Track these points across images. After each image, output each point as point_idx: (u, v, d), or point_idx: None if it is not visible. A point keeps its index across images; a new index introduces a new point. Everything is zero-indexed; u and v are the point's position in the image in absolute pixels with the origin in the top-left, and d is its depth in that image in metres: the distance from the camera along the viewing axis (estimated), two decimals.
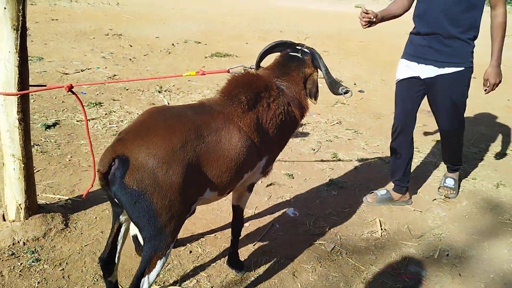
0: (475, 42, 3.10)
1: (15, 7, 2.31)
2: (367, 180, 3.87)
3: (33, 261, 2.49)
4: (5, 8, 2.29)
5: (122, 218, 1.93)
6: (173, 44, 8.98)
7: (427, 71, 3.16)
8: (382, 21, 3.22)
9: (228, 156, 1.95)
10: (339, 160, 4.24)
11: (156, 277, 1.81)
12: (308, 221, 3.17)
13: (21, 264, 2.46)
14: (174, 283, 2.46)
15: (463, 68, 3.07)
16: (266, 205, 3.35)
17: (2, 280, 2.33)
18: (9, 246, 2.58)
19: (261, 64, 2.57)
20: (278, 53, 2.54)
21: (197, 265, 2.63)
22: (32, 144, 3.81)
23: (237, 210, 2.47)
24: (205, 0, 19.84)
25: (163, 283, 2.45)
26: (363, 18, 3.10)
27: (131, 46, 8.46)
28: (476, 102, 6.47)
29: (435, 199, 3.63)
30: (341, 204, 3.45)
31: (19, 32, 2.36)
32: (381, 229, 3.14)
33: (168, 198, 1.73)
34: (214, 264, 2.65)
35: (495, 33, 3.05)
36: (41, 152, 3.76)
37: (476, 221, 3.34)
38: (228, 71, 2.52)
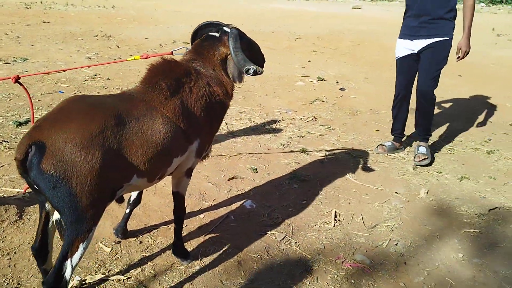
0: (455, 21, 4.03)
1: None
2: (331, 173, 3.90)
3: None
4: None
5: (48, 206, 1.98)
6: (160, 45, 9.06)
7: (420, 44, 4.07)
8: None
9: (152, 142, 1.99)
10: (306, 154, 4.27)
11: (79, 260, 1.86)
12: (263, 213, 3.21)
13: None
14: (119, 272, 2.50)
15: (447, 38, 3.99)
16: (224, 198, 3.39)
17: None
18: None
19: None
20: None
21: (145, 255, 2.67)
22: (1, 141, 3.91)
23: (177, 196, 2.50)
24: (200, 2, 19.98)
25: (108, 271, 2.50)
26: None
27: (118, 47, 8.55)
28: (460, 101, 6.50)
29: (396, 192, 3.65)
30: (300, 196, 3.49)
31: None
32: (335, 220, 3.17)
33: (88, 183, 1.77)
34: (162, 254, 2.69)
35: (466, 12, 3.96)
36: (8, 148, 3.83)
37: (432, 213, 3.36)
38: (172, 53, 2.58)
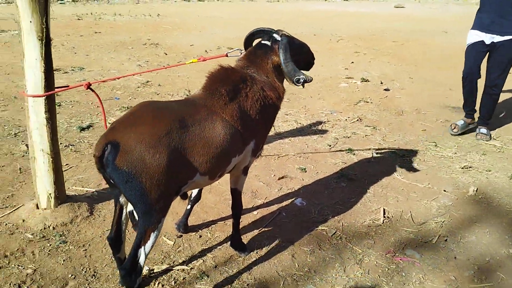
0: None
1: (39, 20, 2.67)
2: (378, 172, 3.99)
3: (60, 243, 2.82)
4: (30, 21, 2.65)
5: (122, 200, 2.21)
6: (206, 51, 9.36)
7: (491, 39, 4.57)
8: None
9: (213, 143, 2.19)
10: (353, 154, 4.37)
11: (151, 248, 2.07)
12: (314, 210, 3.35)
13: (50, 245, 2.81)
14: (183, 263, 2.71)
15: None
16: (276, 196, 3.55)
17: (33, 258, 2.68)
18: (40, 230, 2.93)
19: None
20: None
21: (205, 247, 2.87)
22: (67, 144, 4.25)
23: (235, 193, 2.69)
24: (241, 7, 20.33)
25: (173, 262, 2.71)
26: None
27: (166, 54, 8.92)
28: None
29: (444, 190, 3.69)
30: (348, 194, 3.60)
31: (43, 41, 2.72)
32: (384, 216, 3.26)
33: (156, 178, 1.98)
34: (220, 247, 2.88)
35: None
36: (74, 151, 4.16)
37: (481, 210, 3.38)
38: (227, 55, 2.78)
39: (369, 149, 4.51)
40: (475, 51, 4.70)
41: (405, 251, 2.86)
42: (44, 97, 2.80)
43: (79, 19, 13.79)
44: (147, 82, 6.66)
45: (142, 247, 2.05)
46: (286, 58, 2.50)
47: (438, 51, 10.17)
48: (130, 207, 2.21)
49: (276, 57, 2.57)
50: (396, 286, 2.55)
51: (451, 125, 5.02)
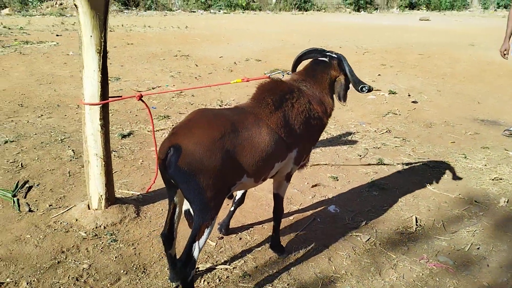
0: None
1: (98, 35, 2.91)
2: (409, 182, 4.10)
3: (111, 241, 3.03)
4: (91, 36, 2.89)
5: (176, 199, 2.41)
6: (235, 63, 9.61)
7: None
8: None
9: (259, 148, 2.37)
10: (384, 164, 4.49)
11: (204, 243, 2.25)
12: (347, 217, 3.48)
13: (102, 243, 3.02)
14: (225, 263, 2.88)
15: None
16: (310, 203, 3.70)
17: (88, 254, 2.89)
18: (92, 229, 3.15)
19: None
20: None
21: (245, 249, 3.04)
22: (111, 150, 4.49)
23: (277, 198, 2.85)
24: (266, 20, 20.64)
25: (216, 262, 2.88)
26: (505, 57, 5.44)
27: (196, 65, 9.20)
28: None
29: (475, 201, 3.77)
30: (380, 203, 3.72)
31: (101, 54, 2.95)
32: (416, 225, 3.37)
33: (212, 179, 2.18)
34: (259, 249, 3.04)
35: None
36: (118, 157, 4.40)
37: None
38: (269, 77, 2.96)
39: (399, 160, 4.62)
40: None
41: (438, 258, 2.96)
42: (99, 106, 3.02)
43: (111, 31, 14.27)
44: (181, 92, 6.91)
45: (197, 242, 2.23)
46: (350, 69, 2.75)
47: (465, 64, 10.19)
48: (185, 206, 2.40)
49: (335, 72, 2.78)
50: None
51: (504, 131, 5.50)
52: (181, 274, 2.25)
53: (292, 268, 2.83)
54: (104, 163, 3.18)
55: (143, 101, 3.02)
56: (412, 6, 28.61)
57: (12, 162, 4.15)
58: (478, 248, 3.08)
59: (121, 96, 3.15)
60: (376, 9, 28.12)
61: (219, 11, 24.61)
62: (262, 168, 2.46)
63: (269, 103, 2.55)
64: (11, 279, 2.61)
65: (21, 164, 4.13)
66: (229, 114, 2.42)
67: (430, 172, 4.34)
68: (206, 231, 2.23)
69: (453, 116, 6.22)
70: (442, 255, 3.00)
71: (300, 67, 2.99)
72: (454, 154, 4.84)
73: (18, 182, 3.76)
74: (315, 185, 4.00)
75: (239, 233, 3.22)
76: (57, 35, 12.54)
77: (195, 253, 2.24)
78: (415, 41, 13.97)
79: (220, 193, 2.25)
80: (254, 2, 26.10)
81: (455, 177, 4.23)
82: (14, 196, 3.53)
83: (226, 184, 2.29)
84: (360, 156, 4.72)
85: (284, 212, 3.50)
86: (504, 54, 5.40)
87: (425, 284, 2.71)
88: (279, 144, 2.52)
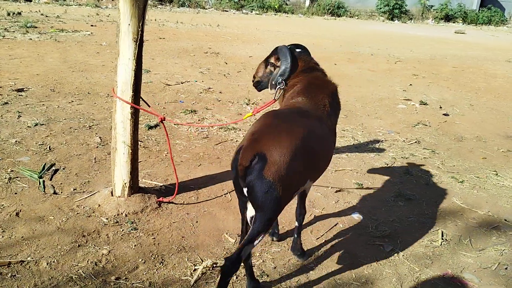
0: None
1: (136, 24, 2.92)
2: (436, 195, 3.98)
3: (132, 229, 3.03)
4: (129, 24, 2.90)
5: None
6: None
7: None
8: None
9: (325, 151, 2.37)
10: (411, 175, 4.38)
11: (254, 247, 2.20)
12: (371, 225, 3.40)
13: (122, 230, 3.02)
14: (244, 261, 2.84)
15: None
16: (332, 208, 3.63)
17: (108, 240, 2.89)
18: (114, 215, 3.16)
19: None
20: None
21: (264, 249, 2.99)
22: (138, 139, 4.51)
23: (303, 196, 2.77)
24: (299, 24, 20.56)
25: None
26: None
27: (226, 63, 9.21)
28: None
29: (505, 220, 3.64)
30: (406, 214, 3.62)
31: (137, 43, 2.96)
32: (442, 239, 3.27)
33: (289, 188, 2.12)
34: (279, 250, 2.99)
35: None
36: (143, 147, 4.42)
37: None
38: (275, 100, 2.91)
39: (427, 172, 4.50)
40: None
41: (463, 274, 2.86)
42: (131, 95, 3.03)
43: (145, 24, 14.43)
44: (209, 88, 6.93)
45: (249, 245, 2.13)
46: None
47: (501, 80, 9.91)
48: (251, 212, 2.20)
49: None
50: None
51: None
52: (227, 268, 2.13)
53: (311, 272, 2.78)
54: (131, 151, 3.19)
55: (163, 124, 3.06)
56: (448, 19, 28.03)
57: (40, 145, 4.22)
58: (506, 268, 2.96)
59: (149, 107, 3.16)
60: (411, 19, 27.68)
61: (251, 11, 24.64)
62: (323, 170, 2.47)
63: (326, 105, 2.53)
64: (32, 258, 2.64)
65: (49, 147, 4.19)
66: (300, 119, 2.36)
67: (459, 186, 4.21)
68: (260, 237, 2.14)
69: (485, 132, 6.04)
70: (468, 272, 2.89)
71: None
72: (485, 170, 4.69)
73: (45, 164, 3.81)
74: (339, 190, 3.93)
75: None
76: (92, 26, 12.77)
77: (243, 253, 2.14)
78: (449, 53, 13.68)
79: (288, 202, 2.21)
80: (287, 4, 26.05)
81: (485, 194, 4.09)
82: (40, 177, 3.57)
83: (295, 192, 2.25)
84: (387, 164, 4.62)
85: (307, 215, 3.45)
86: None
87: None
88: (333, 146, 2.56)
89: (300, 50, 2.93)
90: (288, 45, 2.92)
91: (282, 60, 2.79)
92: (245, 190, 2.11)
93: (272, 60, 2.92)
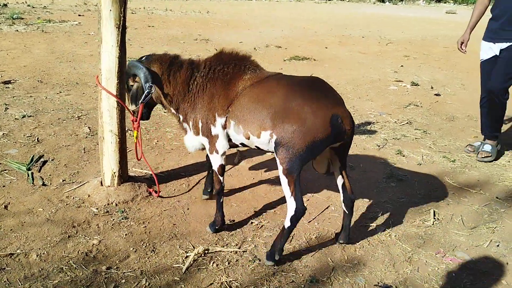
0: None
1: (118, 9, 2.86)
2: (428, 175, 3.98)
3: (122, 218, 3.01)
4: (110, 10, 2.84)
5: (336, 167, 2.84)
6: (254, 48, 9.52)
7: (500, 46, 4.24)
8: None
9: None
10: (403, 155, 4.37)
11: None
12: (362, 206, 3.40)
13: (113, 220, 3.00)
14: (235, 246, 2.83)
15: None
16: (323, 191, 3.62)
17: (98, 230, 2.87)
18: (104, 205, 3.14)
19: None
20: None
21: (256, 234, 2.98)
22: (126, 129, 4.46)
23: None
24: (290, 8, 20.38)
25: (226, 245, 2.83)
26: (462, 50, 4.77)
27: (216, 50, 9.10)
28: None
29: (497, 197, 3.64)
30: (397, 194, 3.62)
31: (120, 29, 2.91)
32: (434, 218, 3.27)
33: None
34: (271, 234, 2.98)
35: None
36: (132, 136, 4.36)
37: None
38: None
39: (419, 152, 4.50)
40: (490, 68, 4.40)
41: (455, 253, 2.87)
42: (116, 82, 2.98)
43: (133, 13, 14.27)
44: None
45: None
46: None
47: None
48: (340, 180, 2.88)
49: None
50: (446, 286, 2.57)
51: (466, 146, 4.67)
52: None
53: (303, 255, 2.77)
54: (118, 140, 3.15)
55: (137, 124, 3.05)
56: None
57: (28, 137, 4.17)
58: (498, 245, 2.96)
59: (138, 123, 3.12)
60: (402, 0, 27.54)
61: None
62: None
63: None
64: (22, 250, 2.61)
65: (37, 138, 4.14)
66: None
67: (450, 165, 4.21)
68: None
69: (476, 111, 5.99)
70: (460, 250, 2.90)
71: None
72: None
73: (33, 156, 3.77)
74: (330, 173, 3.91)
75: (251, 217, 3.17)
76: (79, 15, 12.60)
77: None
78: (440, 33, 13.64)
79: None
80: None
81: (477, 172, 4.10)
82: (29, 169, 3.53)
83: None
84: (379, 146, 4.61)
85: None
86: (462, 46, 4.75)
87: (441, 278, 2.62)
88: None
89: (143, 57, 3.01)
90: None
91: (135, 70, 2.85)
92: (336, 145, 2.63)
93: (130, 82, 3.02)
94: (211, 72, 2.84)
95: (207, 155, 3.08)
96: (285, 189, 2.54)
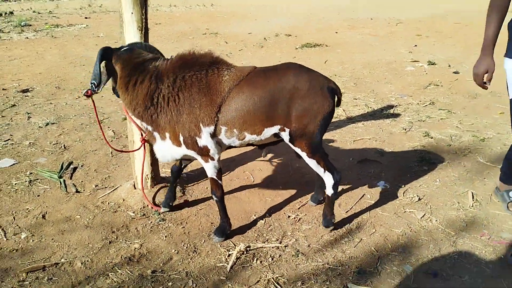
0: None
1: (139, 11, 2.82)
2: (460, 155, 3.91)
3: (160, 220, 3.00)
4: (132, 12, 2.81)
5: None
6: (264, 38, 9.43)
7: None
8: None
9: None
10: (431, 137, 4.30)
11: None
12: (398, 193, 3.35)
13: (151, 222, 2.99)
14: (276, 241, 2.81)
15: None
16: (357, 179, 3.58)
17: (138, 234, 2.87)
18: (140, 208, 3.13)
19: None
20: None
21: (295, 227, 2.96)
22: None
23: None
24: None
25: (267, 240, 2.81)
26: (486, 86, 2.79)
27: (226, 43, 9.06)
28: None
29: None
30: (432, 177, 3.56)
31: (142, 31, 2.87)
32: (473, 200, 3.21)
33: None
34: (310, 227, 2.96)
35: None
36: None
37: None
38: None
39: (447, 133, 4.42)
40: None
41: (501, 234, 2.82)
42: None
43: None
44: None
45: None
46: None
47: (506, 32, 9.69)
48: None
49: None
50: (495, 268, 2.53)
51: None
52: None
53: (346, 246, 2.74)
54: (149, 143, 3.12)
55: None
56: None
57: (55, 144, 4.18)
58: None
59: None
60: None
61: None
62: None
63: None
64: (66, 259, 2.61)
65: (64, 145, 4.15)
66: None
67: (481, 144, 4.13)
68: None
69: (499, 86, 5.89)
70: (505, 231, 2.84)
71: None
72: (504, 125, 4.60)
73: (62, 163, 3.77)
74: (361, 161, 3.87)
75: (287, 211, 3.14)
76: (86, 18, 12.59)
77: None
78: (449, 9, 13.41)
79: None
80: None
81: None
82: (60, 177, 3.54)
83: None
84: (405, 129, 4.54)
85: None
86: (484, 83, 2.77)
87: (490, 262, 2.58)
88: None
89: (126, 48, 2.66)
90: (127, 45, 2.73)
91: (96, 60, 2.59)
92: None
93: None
94: (179, 81, 2.53)
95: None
96: (317, 168, 2.72)
